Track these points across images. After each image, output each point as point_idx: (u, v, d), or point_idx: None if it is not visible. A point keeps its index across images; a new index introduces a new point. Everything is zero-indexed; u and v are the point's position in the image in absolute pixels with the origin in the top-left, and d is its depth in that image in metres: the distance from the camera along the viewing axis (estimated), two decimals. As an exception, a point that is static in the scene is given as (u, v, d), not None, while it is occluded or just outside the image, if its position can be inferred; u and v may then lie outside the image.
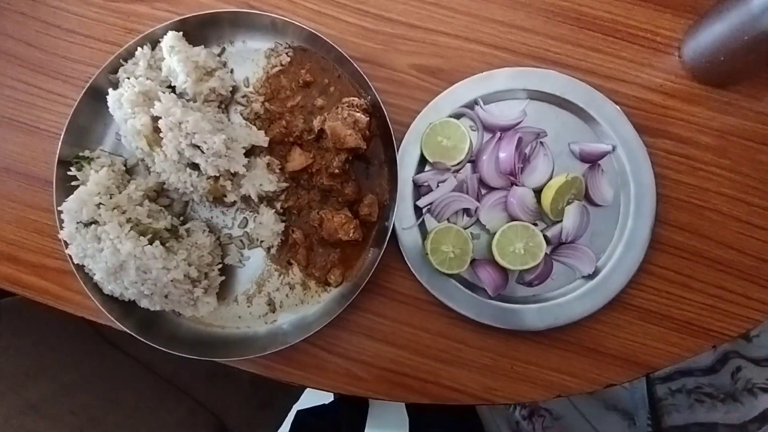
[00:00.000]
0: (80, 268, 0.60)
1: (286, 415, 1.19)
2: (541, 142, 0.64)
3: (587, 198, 0.63)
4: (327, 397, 1.45)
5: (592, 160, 0.64)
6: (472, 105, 0.65)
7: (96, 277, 0.59)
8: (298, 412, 1.29)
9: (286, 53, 0.67)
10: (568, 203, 0.62)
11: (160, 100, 0.57)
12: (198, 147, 0.57)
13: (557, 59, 0.66)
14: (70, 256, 0.60)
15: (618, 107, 0.63)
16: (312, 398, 1.27)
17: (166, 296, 0.59)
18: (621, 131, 0.63)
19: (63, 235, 0.58)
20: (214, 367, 0.66)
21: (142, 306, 0.60)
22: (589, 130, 0.65)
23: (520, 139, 0.62)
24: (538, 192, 0.63)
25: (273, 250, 0.65)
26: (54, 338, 0.97)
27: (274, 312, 0.65)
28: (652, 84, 0.66)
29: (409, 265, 0.62)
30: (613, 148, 0.63)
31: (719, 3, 0.58)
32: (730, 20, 0.56)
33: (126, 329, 0.61)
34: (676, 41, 0.66)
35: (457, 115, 0.65)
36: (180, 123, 0.56)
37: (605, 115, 0.63)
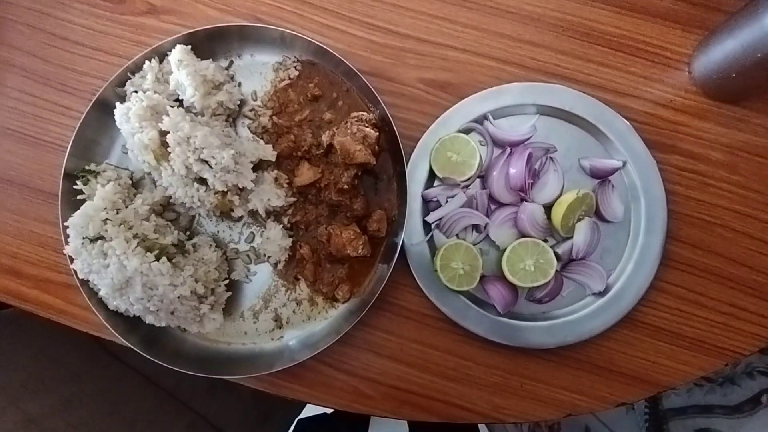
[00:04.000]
0: (85, 283, 0.60)
1: (289, 428, 1.18)
2: (551, 158, 0.63)
3: (598, 214, 0.63)
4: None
5: (602, 176, 0.63)
6: (481, 120, 0.64)
7: (101, 293, 0.58)
8: (299, 420, 1.27)
9: (294, 67, 0.66)
10: (579, 219, 0.61)
11: (168, 115, 0.56)
12: (206, 162, 0.57)
13: (567, 74, 0.66)
14: (75, 271, 0.59)
15: (628, 123, 0.63)
16: (314, 408, 1.25)
17: (172, 312, 0.58)
18: (631, 147, 0.63)
19: (68, 250, 0.57)
20: (216, 380, 0.65)
21: (147, 322, 0.60)
22: (599, 146, 0.64)
23: (530, 155, 0.61)
24: (548, 208, 0.63)
25: (280, 266, 0.64)
26: (55, 350, 0.96)
27: (280, 328, 0.64)
28: (662, 99, 0.65)
29: (417, 281, 0.62)
30: (624, 164, 0.63)
31: (731, 19, 0.58)
32: (742, 37, 0.56)
33: (130, 345, 0.60)
34: (686, 57, 0.66)
35: (467, 130, 0.64)
36: (188, 138, 0.56)
37: (615, 130, 0.63)
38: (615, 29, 0.66)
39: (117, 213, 0.57)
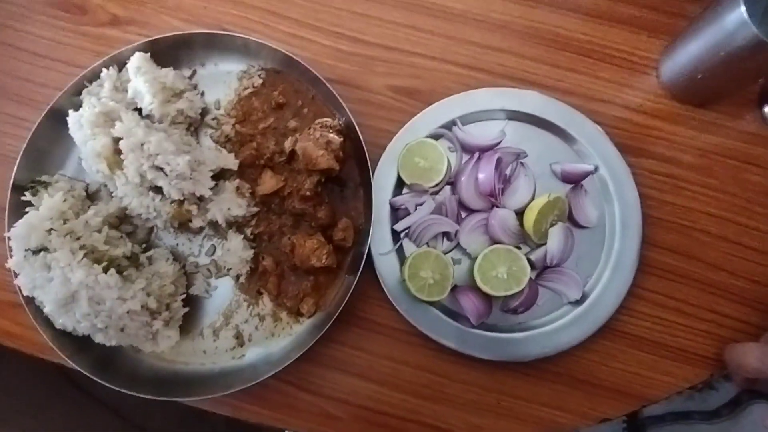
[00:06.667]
0: (30, 300, 0.56)
1: (265, 461, 1.11)
2: (521, 163, 0.62)
3: (571, 220, 0.61)
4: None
5: (574, 181, 0.62)
6: (449, 126, 0.63)
7: (46, 310, 0.54)
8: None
9: (259, 75, 0.65)
10: (552, 225, 0.59)
11: (121, 121, 0.54)
12: (161, 169, 0.54)
13: (535, 80, 0.65)
14: (19, 288, 0.55)
15: (599, 127, 0.62)
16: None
17: (122, 330, 0.54)
18: (603, 151, 0.61)
19: (11, 264, 0.54)
20: (187, 410, 0.61)
21: (96, 341, 0.56)
22: (570, 151, 0.63)
23: (499, 160, 0.60)
24: (519, 214, 0.61)
25: (242, 279, 0.61)
26: (14, 381, 0.90)
27: (242, 346, 0.60)
28: (632, 104, 0.65)
29: (386, 293, 0.59)
30: (596, 168, 0.61)
31: (694, 22, 0.58)
32: (705, 38, 0.56)
33: (79, 368, 0.56)
34: (653, 62, 0.66)
35: (435, 136, 0.63)
36: (142, 144, 0.53)
37: (586, 135, 0.62)
38: (582, 35, 0.66)
39: (64, 223, 0.54)
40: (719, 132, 0.64)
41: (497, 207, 0.60)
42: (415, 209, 0.61)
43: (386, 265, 0.60)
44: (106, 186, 0.60)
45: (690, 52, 0.59)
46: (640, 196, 0.61)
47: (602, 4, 0.67)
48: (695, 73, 0.59)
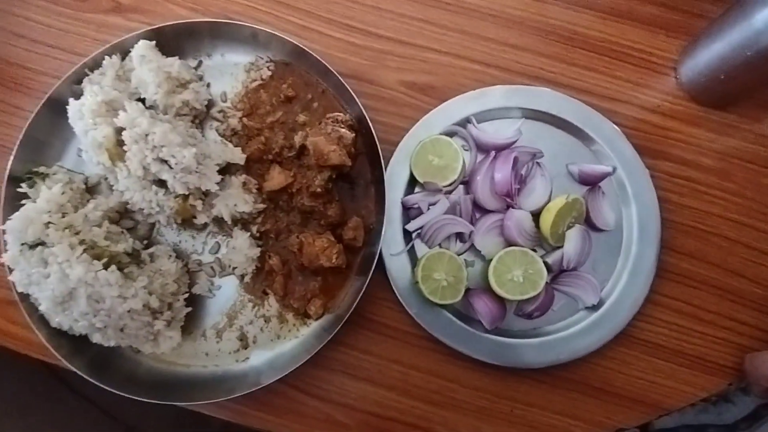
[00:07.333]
0: (25, 297, 0.53)
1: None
2: (537, 163, 0.60)
3: (588, 222, 0.59)
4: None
5: (592, 182, 0.60)
6: (464, 123, 0.61)
7: (42, 308, 0.51)
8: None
9: (267, 67, 0.63)
10: (569, 227, 0.57)
11: (125, 110, 0.52)
12: (166, 162, 0.52)
13: (551, 78, 0.64)
14: (13, 284, 0.52)
15: (617, 127, 0.60)
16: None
17: (121, 329, 0.52)
18: (621, 152, 0.60)
19: (5, 258, 0.51)
20: (183, 412, 0.59)
21: (94, 341, 0.53)
22: (587, 151, 0.61)
23: (515, 159, 0.58)
24: (536, 215, 0.59)
25: (247, 278, 0.59)
26: (2, 382, 0.88)
27: (246, 348, 0.58)
28: (650, 104, 0.63)
29: (397, 295, 0.57)
30: (614, 170, 0.60)
31: (717, 21, 0.57)
32: (730, 37, 0.54)
33: (75, 369, 0.53)
34: (671, 62, 0.64)
35: (449, 134, 0.61)
36: (146, 135, 0.51)
37: (603, 135, 0.60)
38: (598, 33, 0.65)
39: (63, 217, 0.51)
40: (738, 135, 0.63)
41: (513, 208, 0.58)
42: (428, 209, 0.59)
43: (397, 266, 0.58)
44: (106, 179, 0.58)
45: (713, 51, 0.57)
46: (659, 199, 0.59)
47: (621, 3, 0.65)
48: (717, 74, 0.57)
